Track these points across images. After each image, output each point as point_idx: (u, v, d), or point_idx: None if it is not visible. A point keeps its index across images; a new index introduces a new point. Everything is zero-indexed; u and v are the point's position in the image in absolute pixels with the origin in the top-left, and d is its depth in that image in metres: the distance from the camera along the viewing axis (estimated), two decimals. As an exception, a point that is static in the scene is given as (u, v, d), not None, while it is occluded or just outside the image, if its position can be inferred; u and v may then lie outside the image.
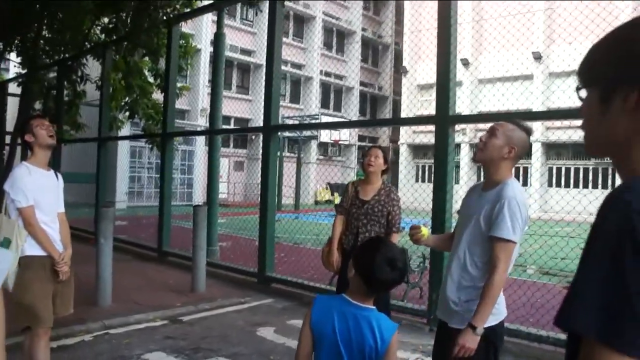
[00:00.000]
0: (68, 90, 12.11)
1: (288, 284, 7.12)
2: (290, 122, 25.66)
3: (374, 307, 2.06)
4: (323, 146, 32.36)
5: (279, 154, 8.28)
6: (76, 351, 4.72)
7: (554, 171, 26.11)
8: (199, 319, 5.83)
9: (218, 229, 9.69)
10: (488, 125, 2.71)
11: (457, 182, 5.60)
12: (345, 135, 29.70)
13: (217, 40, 9.67)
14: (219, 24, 9.70)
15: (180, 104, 12.27)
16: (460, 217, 2.76)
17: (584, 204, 7.49)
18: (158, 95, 11.77)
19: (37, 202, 3.56)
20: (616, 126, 0.94)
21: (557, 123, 21.53)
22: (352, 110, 34.10)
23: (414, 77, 30.86)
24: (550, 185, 25.69)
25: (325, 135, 28.55)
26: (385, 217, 4.34)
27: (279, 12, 7.45)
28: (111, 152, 15.10)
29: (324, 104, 33.73)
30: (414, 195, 10.02)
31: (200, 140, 23.48)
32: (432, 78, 5.93)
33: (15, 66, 14.60)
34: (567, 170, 25.65)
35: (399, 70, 33.60)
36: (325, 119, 25.91)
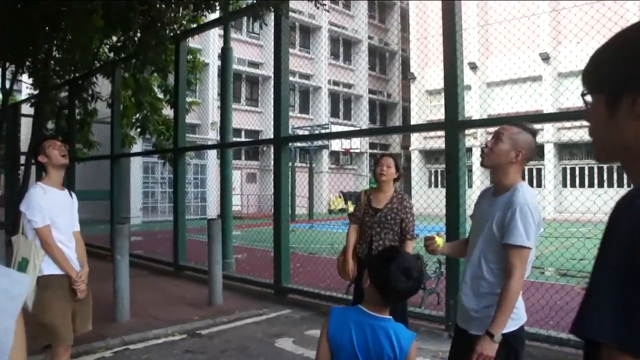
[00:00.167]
0: (79, 109, 12.23)
1: (305, 294, 7.12)
2: (300, 132, 25.71)
3: (390, 317, 2.06)
4: (334, 155, 32.39)
5: (290, 164, 8.31)
6: (96, 368, 4.75)
7: (568, 171, 25.94)
8: (217, 332, 5.84)
9: (233, 242, 9.71)
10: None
11: (470, 186, 5.58)
12: (356, 144, 29.71)
13: (225, 55, 9.74)
14: (226, 38, 9.77)
15: (190, 118, 12.36)
16: (474, 223, 2.74)
17: (599, 204, 7.42)
18: (168, 111, 11.87)
19: (53, 222, 3.60)
20: (624, 131, 0.92)
21: (569, 123, 21.41)
22: (361, 118, 34.12)
23: (422, 83, 30.85)
24: (564, 186, 25.52)
25: (336, 145, 28.57)
26: (398, 225, 4.33)
27: (285, 24, 7.49)
28: (124, 169, 15.26)
29: (334, 113, 33.78)
30: (427, 202, 9.99)
31: (212, 154, 23.58)
32: (440, 83, 5.92)
33: (27, 87, 14.77)
34: (581, 170, 25.46)
35: (407, 77, 33.61)
36: (335, 128, 25.94)
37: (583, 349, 0.97)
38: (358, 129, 29.43)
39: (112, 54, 10.55)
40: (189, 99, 10.78)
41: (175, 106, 9.67)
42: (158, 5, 7.33)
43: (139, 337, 5.52)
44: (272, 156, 7.82)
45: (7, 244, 4.00)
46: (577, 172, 25.61)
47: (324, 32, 32.87)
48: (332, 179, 30.51)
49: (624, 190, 0.95)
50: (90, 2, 7.36)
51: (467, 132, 5.86)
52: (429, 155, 31.40)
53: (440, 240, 2.75)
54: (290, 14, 7.56)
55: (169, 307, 6.87)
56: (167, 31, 8.28)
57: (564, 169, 26.04)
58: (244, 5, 8.30)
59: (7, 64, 11.11)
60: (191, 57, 11.92)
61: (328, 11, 7.84)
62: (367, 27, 35.61)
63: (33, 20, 8.24)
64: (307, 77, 32.64)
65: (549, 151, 25.46)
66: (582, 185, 24.84)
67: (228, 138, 9.56)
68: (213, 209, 22.40)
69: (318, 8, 6.62)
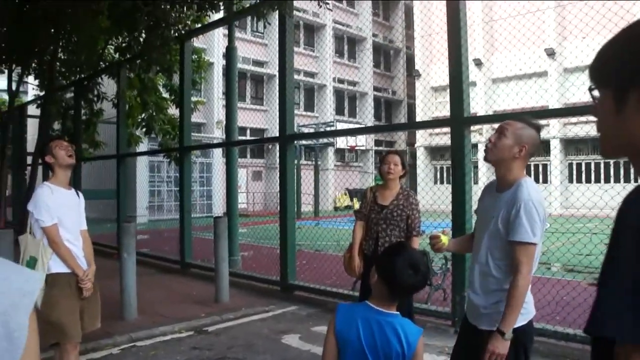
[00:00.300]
0: (85, 110, 12.29)
1: (311, 291, 7.14)
2: (306, 130, 25.72)
3: (397, 313, 2.06)
4: (340, 152, 32.38)
5: (296, 162, 8.32)
6: (105, 365, 4.78)
7: (574, 167, 25.85)
8: (224, 329, 5.86)
9: (239, 239, 9.74)
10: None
11: (475, 182, 5.58)
12: (362, 141, 29.70)
13: (229, 55, 9.76)
14: (230, 37, 9.80)
15: (195, 117, 12.39)
16: (478, 219, 2.74)
17: (605, 200, 7.41)
18: (173, 110, 11.90)
19: (60, 221, 3.64)
20: (631, 126, 0.92)
21: (575, 119, 21.33)
22: (367, 115, 34.08)
23: (427, 80, 30.82)
24: (570, 181, 25.43)
25: (341, 142, 28.57)
26: (404, 222, 4.33)
27: (289, 23, 7.50)
28: (130, 168, 15.32)
29: (339, 110, 33.76)
30: (432, 198, 9.99)
31: (218, 152, 23.62)
32: (445, 80, 5.91)
33: (33, 89, 14.84)
34: (587, 165, 25.37)
35: (412, 74, 33.56)
36: (340, 126, 25.94)
37: (591, 345, 0.96)
38: (363, 126, 29.40)
39: (117, 55, 10.58)
40: (194, 98, 10.82)
41: (180, 105, 9.69)
42: (163, 6, 7.34)
43: (146, 334, 5.56)
44: (278, 154, 7.84)
45: (15, 243, 4.03)
46: (583, 168, 25.52)
47: (329, 30, 32.85)
48: (338, 176, 30.51)
49: (630, 186, 0.94)
50: (96, 3, 7.38)
51: (472, 128, 5.85)
52: (434, 152, 31.35)
53: (445, 239, 2.75)
54: (295, 12, 7.56)
55: (176, 304, 6.90)
56: (172, 31, 8.31)
57: (570, 165, 25.95)
58: (248, 5, 8.31)
59: (13, 66, 11.16)
60: (196, 56, 11.94)
61: (330, 10, 7.82)
62: (371, 24, 35.52)
63: (38, 22, 8.27)
64: (311, 75, 32.63)
65: (555, 147, 25.37)
66: (588, 180, 24.75)
67: (233, 136, 9.59)
68: (219, 207, 22.43)
69: (321, 7, 6.61)
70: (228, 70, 9.85)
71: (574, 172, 25.77)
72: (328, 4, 6.69)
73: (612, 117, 0.95)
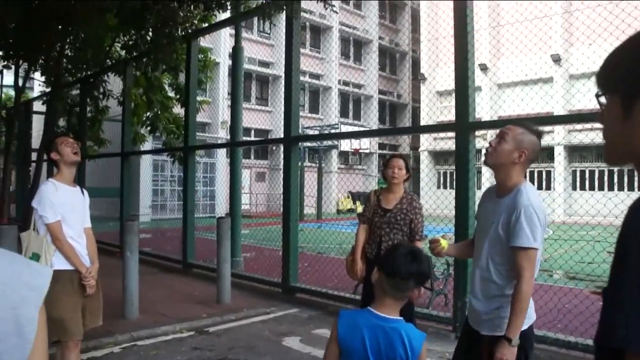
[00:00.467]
0: (91, 107, 12.30)
1: (312, 293, 7.14)
2: (310, 132, 25.73)
3: (401, 318, 2.06)
4: (344, 155, 32.38)
5: (300, 164, 8.33)
6: (105, 363, 4.79)
7: (578, 174, 25.79)
8: (225, 330, 5.87)
9: (242, 240, 9.74)
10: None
11: (479, 187, 5.56)
12: (366, 144, 29.69)
13: (236, 55, 9.76)
14: (237, 37, 9.80)
15: (200, 116, 12.39)
16: (478, 225, 2.75)
17: (609, 207, 7.38)
18: (178, 109, 11.92)
19: (64, 218, 3.64)
20: (638, 133, 0.91)
21: (580, 125, 21.28)
22: (371, 118, 34.09)
23: (433, 84, 30.80)
24: (574, 188, 25.37)
25: (345, 145, 28.57)
26: (407, 225, 4.33)
27: (296, 24, 7.51)
28: (134, 166, 15.31)
29: (343, 113, 33.76)
30: (436, 202, 9.98)
31: (221, 152, 23.65)
32: (450, 84, 5.91)
33: (39, 85, 14.90)
34: (591, 172, 25.30)
35: (417, 78, 33.56)
36: (345, 128, 25.94)
37: (595, 355, 0.95)
38: (368, 129, 29.41)
39: (123, 53, 10.60)
40: (199, 98, 10.82)
41: (186, 105, 9.70)
42: (171, 5, 7.36)
43: (147, 333, 5.56)
44: (282, 155, 7.84)
45: (19, 240, 4.04)
46: (587, 175, 25.45)
47: (335, 32, 32.88)
48: (341, 179, 30.50)
49: (635, 194, 0.94)
50: (105, 2, 7.41)
51: (477, 133, 5.85)
52: (438, 157, 31.32)
53: (444, 242, 2.76)
54: (302, 14, 7.57)
55: (178, 304, 6.91)
56: (179, 30, 8.33)
57: (574, 172, 25.89)
58: (254, 5, 8.32)
59: (20, 62, 11.20)
60: (202, 56, 11.95)
61: (336, 12, 7.84)
62: (377, 27, 35.54)
63: (46, 18, 8.30)
64: (317, 77, 32.66)
65: (559, 153, 25.31)
66: (592, 188, 24.68)
67: (238, 137, 9.59)
68: (222, 207, 22.45)
69: (327, 9, 6.63)
70: (234, 70, 9.85)
71: (578, 179, 25.71)
72: (334, 6, 6.70)
73: (618, 124, 0.94)
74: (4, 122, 15.76)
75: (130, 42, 9.65)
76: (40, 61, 10.85)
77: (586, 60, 11.90)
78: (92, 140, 12.75)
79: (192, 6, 8.01)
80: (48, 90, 12.57)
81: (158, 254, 10.50)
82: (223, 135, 25.18)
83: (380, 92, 36.02)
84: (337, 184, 29.72)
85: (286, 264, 7.36)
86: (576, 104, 22.27)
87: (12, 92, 17.41)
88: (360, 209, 6.56)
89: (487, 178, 23.27)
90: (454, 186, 5.73)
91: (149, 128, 12.29)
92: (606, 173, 24.52)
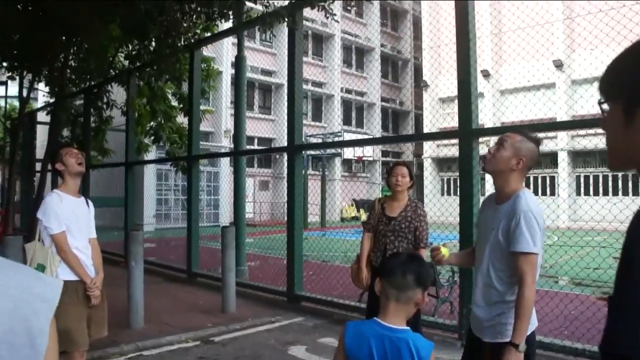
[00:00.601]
0: (94, 117, 12.35)
1: (318, 302, 7.12)
2: (313, 140, 25.76)
3: (408, 328, 2.05)
4: (347, 163, 32.38)
5: (303, 172, 8.33)
6: (111, 374, 4.78)
7: (582, 180, 25.73)
8: (230, 339, 5.85)
9: (246, 249, 9.73)
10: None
11: (483, 194, 5.55)
12: (369, 152, 29.69)
13: (238, 64, 9.78)
14: (240, 46, 9.82)
15: (203, 125, 12.42)
16: (479, 232, 2.78)
17: (614, 213, 7.36)
18: (182, 119, 11.95)
19: (69, 229, 3.65)
20: None
21: (583, 131, 21.27)
22: (374, 126, 34.11)
23: (435, 91, 30.83)
24: (578, 194, 25.31)
25: (348, 152, 28.58)
26: (412, 233, 4.33)
27: (298, 33, 7.53)
28: (138, 176, 15.36)
29: (346, 120, 33.81)
30: (440, 210, 9.96)
31: (225, 161, 23.69)
32: (453, 91, 5.92)
33: (43, 95, 14.95)
34: (596, 178, 25.24)
35: (420, 85, 33.61)
36: (348, 136, 25.97)
37: None
38: (371, 137, 29.42)
39: (127, 63, 10.65)
40: (202, 107, 10.86)
41: (189, 114, 9.72)
42: (173, 14, 7.40)
43: (152, 343, 5.55)
44: (285, 164, 7.85)
45: (24, 250, 4.06)
46: (591, 180, 25.39)
47: (337, 40, 32.97)
48: (345, 186, 30.49)
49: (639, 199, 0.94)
50: (110, 14, 7.46)
51: (480, 140, 5.85)
52: (441, 163, 31.30)
53: (445, 250, 2.78)
54: (304, 22, 7.61)
55: (183, 313, 6.90)
56: (182, 40, 8.37)
57: (578, 177, 25.83)
58: (256, 15, 8.36)
59: (25, 73, 11.26)
60: (205, 65, 12.00)
61: (337, 21, 7.88)
62: (379, 35, 35.65)
63: (50, 29, 8.35)
64: (319, 85, 32.73)
65: (563, 159, 25.28)
66: (596, 193, 24.62)
67: (242, 146, 9.60)
68: (225, 216, 22.46)
69: (328, 18, 6.67)
70: (237, 79, 9.88)
71: (582, 184, 25.65)
72: (335, 15, 6.74)
73: (620, 130, 0.95)
74: (8, 132, 15.84)
75: (134, 53, 9.71)
76: (44, 72, 10.92)
77: (588, 65, 11.90)
78: (96, 150, 12.78)
79: (194, 16, 8.06)
80: (52, 100, 12.63)
81: (162, 263, 10.50)
82: (226, 144, 25.22)
83: (383, 99, 36.06)
84: (341, 192, 29.72)
85: (291, 273, 7.35)
86: (579, 110, 22.27)
87: (16, 103, 17.51)
88: (364, 216, 6.57)
89: (492, 184, 23.20)
90: (458, 193, 5.72)
91: (152, 138, 12.33)
92: (610, 178, 24.47)
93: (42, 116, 16.71)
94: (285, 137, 7.65)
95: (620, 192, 23.54)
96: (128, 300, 6.16)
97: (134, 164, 11.59)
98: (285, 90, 7.83)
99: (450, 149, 26.72)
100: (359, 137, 27.47)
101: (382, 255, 4.35)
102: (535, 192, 25.90)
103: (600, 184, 24.95)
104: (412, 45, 37.25)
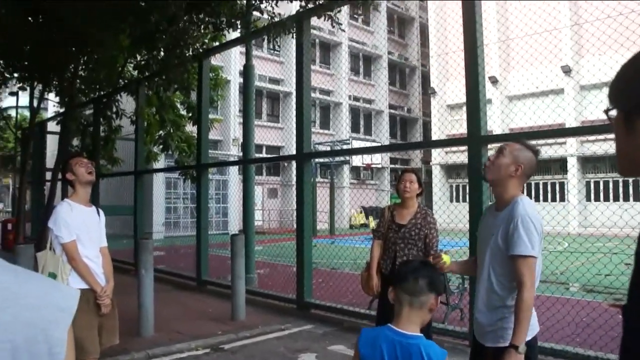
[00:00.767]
0: (104, 126, 12.42)
1: (327, 309, 7.11)
2: (322, 148, 25.78)
3: (421, 335, 2.06)
4: (355, 170, 32.38)
5: (312, 180, 8.32)
6: (121, 382, 4.79)
7: (592, 185, 25.58)
8: (240, 347, 5.85)
9: (255, 257, 9.74)
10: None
11: (492, 201, 5.54)
12: (377, 159, 29.67)
13: (247, 72, 9.82)
14: (248, 55, 9.87)
15: (212, 134, 12.48)
16: (480, 240, 2.83)
17: (625, 219, 7.33)
18: (190, 128, 12.01)
19: (80, 238, 3.68)
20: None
21: (592, 136, 21.16)
22: (382, 133, 34.10)
23: (443, 98, 30.80)
24: (588, 200, 25.15)
25: (357, 160, 28.58)
26: (422, 240, 4.33)
27: (306, 42, 7.56)
28: (147, 185, 15.42)
29: (354, 128, 33.83)
30: (449, 217, 9.93)
31: (234, 169, 23.75)
32: (461, 98, 5.92)
33: (54, 105, 15.09)
34: (606, 183, 25.08)
35: (428, 92, 33.59)
36: (356, 144, 25.97)
37: None
38: (379, 144, 29.41)
39: (136, 73, 10.71)
40: (211, 116, 10.89)
41: (198, 123, 9.76)
42: (182, 24, 7.46)
43: (162, 351, 5.57)
44: (294, 172, 7.86)
45: (35, 258, 4.09)
46: (601, 186, 25.23)
47: (344, 48, 33.05)
48: (353, 194, 30.48)
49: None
50: (121, 27, 7.53)
51: (489, 146, 5.84)
52: (450, 170, 31.22)
53: (446, 258, 2.82)
54: (311, 30, 7.64)
55: (192, 321, 6.91)
56: (190, 50, 8.43)
57: (588, 183, 25.69)
58: (264, 25, 8.40)
59: (35, 84, 11.35)
60: (213, 74, 12.06)
61: (344, 30, 7.92)
62: (386, 42, 35.69)
63: (60, 40, 8.43)
64: (327, 93, 32.80)
65: (573, 165, 25.15)
66: (607, 199, 24.47)
67: (251, 154, 9.63)
68: (234, 224, 22.48)
69: (334, 27, 6.71)
70: (245, 88, 9.91)
71: (592, 190, 25.50)
72: (341, 24, 6.78)
73: (624, 137, 0.96)
74: (19, 142, 15.97)
75: (143, 63, 9.78)
76: (54, 82, 11.01)
77: (597, 71, 11.86)
78: (105, 159, 12.85)
79: (202, 27, 8.12)
80: (62, 110, 12.72)
81: (172, 271, 10.52)
82: (235, 152, 25.29)
83: (391, 106, 36.05)
84: (350, 199, 29.70)
85: (300, 280, 7.35)
86: (588, 115, 22.17)
87: (27, 113, 17.64)
88: (372, 224, 6.56)
89: (500, 191, 23.07)
90: (468, 200, 5.71)
91: (161, 146, 12.39)
92: (621, 183, 24.32)
93: (52, 126, 16.83)
94: (294, 145, 7.67)
95: (631, 198, 23.36)
96: (138, 308, 6.18)
97: (143, 173, 11.65)
98: (294, 98, 7.87)
99: (459, 155, 26.65)
100: (367, 144, 27.49)
101: (392, 262, 4.35)
102: (545, 199, 25.79)
103: (611, 190, 24.79)
104: (419, 52, 37.28)
